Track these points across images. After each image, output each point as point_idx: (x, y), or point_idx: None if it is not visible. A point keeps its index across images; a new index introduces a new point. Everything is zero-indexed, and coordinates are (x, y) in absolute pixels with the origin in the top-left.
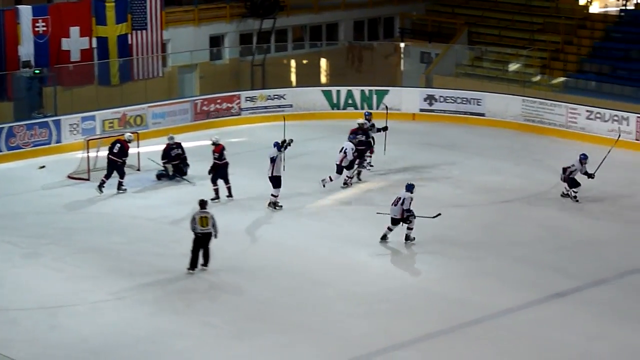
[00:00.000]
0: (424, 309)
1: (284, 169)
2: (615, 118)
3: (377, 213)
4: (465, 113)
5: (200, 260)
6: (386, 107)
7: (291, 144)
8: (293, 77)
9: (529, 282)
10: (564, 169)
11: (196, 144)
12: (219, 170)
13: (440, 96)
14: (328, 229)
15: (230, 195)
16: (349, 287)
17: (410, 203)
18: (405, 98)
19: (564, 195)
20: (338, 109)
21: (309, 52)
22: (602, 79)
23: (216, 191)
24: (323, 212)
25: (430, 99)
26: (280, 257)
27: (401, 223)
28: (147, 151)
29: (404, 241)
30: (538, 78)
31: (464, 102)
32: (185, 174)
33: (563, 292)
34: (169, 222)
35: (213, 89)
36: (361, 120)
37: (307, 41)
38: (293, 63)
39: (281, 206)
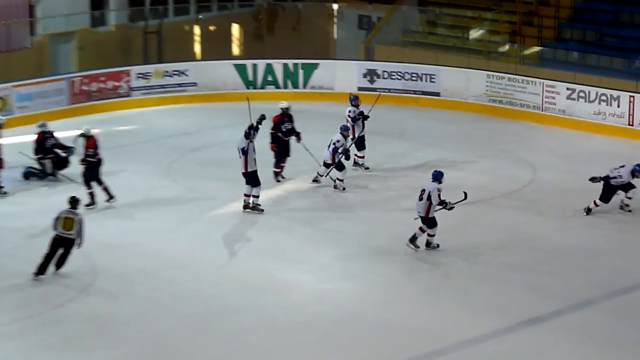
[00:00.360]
0: (364, 341)
1: (255, 162)
2: (603, 97)
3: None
4: (415, 92)
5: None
6: (379, 94)
7: (262, 123)
8: (197, 48)
9: (497, 304)
10: (605, 177)
11: (74, 134)
12: (94, 170)
13: (384, 71)
14: (242, 240)
15: (111, 198)
16: (268, 314)
17: (440, 196)
18: (339, 74)
19: (623, 207)
20: (255, 88)
21: (217, 15)
22: (586, 48)
23: (91, 195)
24: (235, 219)
25: (371, 74)
26: (181, 276)
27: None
28: (12, 142)
29: (425, 248)
30: (506, 48)
31: (414, 78)
32: (68, 163)
33: (539, 317)
34: (38, 233)
35: (95, 63)
36: (285, 104)
37: (214, 2)
38: (197, 30)
39: (262, 209)
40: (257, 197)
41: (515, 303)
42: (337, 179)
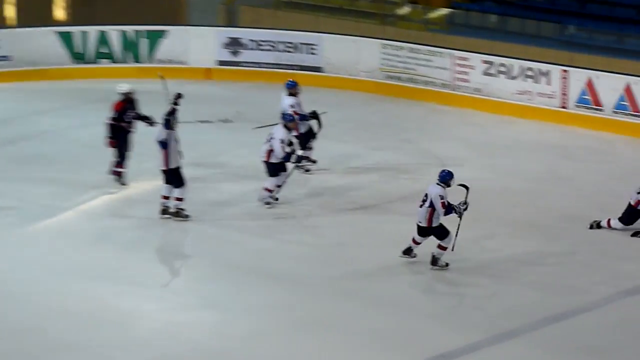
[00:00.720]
0: None
1: (181, 156)
2: (530, 72)
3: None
4: (291, 67)
5: None
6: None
7: (179, 103)
8: (9, 11)
9: (397, 337)
10: (632, 207)
11: None
12: None
13: (251, 40)
14: (72, 260)
15: None
16: (104, 353)
17: (444, 204)
18: (194, 44)
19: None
20: (84, 62)
21: None
22: (508, 10)
23: None
24: (62, 232)
25: (234, 44)
26: None
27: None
28: None
29: (430, 265)
30: (406, 10)
31: (289, 49)
32: None
33: (449, 352)
34: None
35: None
36: (125, 87)
37: None
38: None
39: (188, 215)
40: (182, 200)
41: (420, 335)
42: (266, 188)
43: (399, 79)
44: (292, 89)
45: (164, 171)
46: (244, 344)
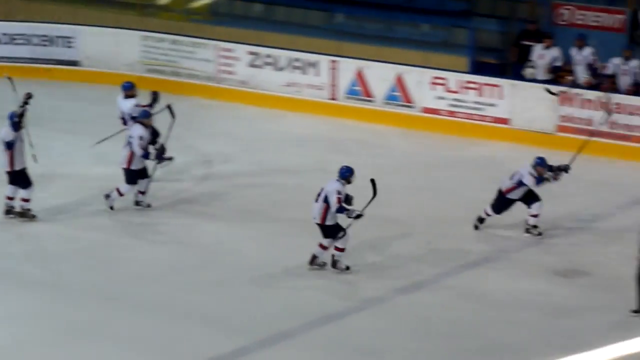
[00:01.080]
0: None
1: (35, 159)
2: (297, 64)
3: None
4: (47, 62)
5: None
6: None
7: (29, 103)
8: None
9: (161, 343)
10: (502, 194)
11: None
12: None
13: (4, 34)
14: None
15: None
16: None
17: (340, 199)
18: None
19: (530, 230)
20: None
21: None
22: None
23: None
24: None
25: None
26: None
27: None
28: None
29: (331, 268)
30: (167, 0)
31: (44, 42)
32: None
33: (216, 356)
34: None
35: None
36: None
37: None
38: None
39: (34, 215)
40: (28, 200)
41: (189, 340)
42: (118, 190)
43: (161, 72)
44: (130, 90)
45: (9, 173)
46: (3, 354)
